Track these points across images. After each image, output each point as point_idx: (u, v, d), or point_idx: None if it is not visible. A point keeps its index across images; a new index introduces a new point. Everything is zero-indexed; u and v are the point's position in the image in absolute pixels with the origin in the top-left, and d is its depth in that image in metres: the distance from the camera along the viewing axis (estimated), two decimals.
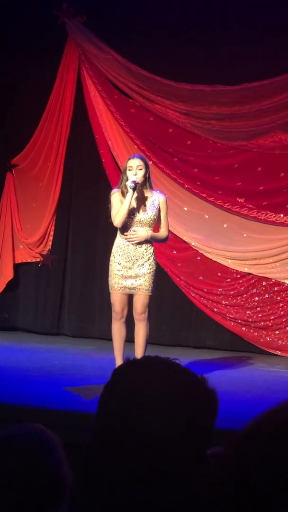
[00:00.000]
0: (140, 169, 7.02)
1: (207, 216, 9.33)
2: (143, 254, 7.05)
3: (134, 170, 7.00)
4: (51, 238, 9.85)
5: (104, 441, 1.62)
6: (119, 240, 7.14)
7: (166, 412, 1.60)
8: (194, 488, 1.59)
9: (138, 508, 1.56)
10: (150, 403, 1.60)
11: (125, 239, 7.06)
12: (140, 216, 7.05)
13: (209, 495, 1.36)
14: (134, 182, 6.93)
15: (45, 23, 9.61)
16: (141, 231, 7.04)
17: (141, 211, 7.06)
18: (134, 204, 7.06)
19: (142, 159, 7.10)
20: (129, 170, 7.03)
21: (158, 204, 7.09)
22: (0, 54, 9.82)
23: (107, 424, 1.64)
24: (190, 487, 1.59)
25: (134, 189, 6.91)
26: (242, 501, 1.29)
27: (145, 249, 7.06)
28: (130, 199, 6.96)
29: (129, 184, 6.93)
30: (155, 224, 7.15)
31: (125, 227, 7.09)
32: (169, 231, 7.38)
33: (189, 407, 1.62)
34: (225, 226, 9.26)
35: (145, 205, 7.07)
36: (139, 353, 7.03)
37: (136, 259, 7.04)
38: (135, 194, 6.99)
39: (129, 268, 7.04)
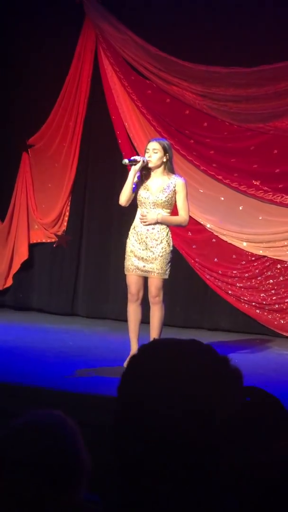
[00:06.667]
0: (156, 152, 7.02)
1: (222, 198, 9.32)
2: (155, 236, 7.03)
3: (150, 152, 7.03)
4: (66, 218, 9.87)
5: (129, 422, 1.64)
6: (135, 221, 7.15)
7: (189, 392, 1.61)
8: (218, 465, 1.60)
9: (163, 482, 1.58)
10: (173, 384, 1.62)
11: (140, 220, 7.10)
12: (154, 197, 7.04)
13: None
14: (129, 159, 7.11)
15: (62, 3, 9.58)
16: (151, 213, 7.04)
17: (155, 193, 7.05)
18: (149, 186, 7.07)
19: (160, 142, 7.10)
20: (146, 152, 7.07)
21: (174, 187, 7.07)
22: (18, 33, 9.81)
23: (131, 406, 1.64)
24: (215, 464, 1.60)
25: (131, 165, 7.01)
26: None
27: (158, 231, 7.04)
28: (132, 178, 7.02)
29: (124, 160, 7.13)
30: (173, 207, 7.13)
31: (138, 209, 7.14)
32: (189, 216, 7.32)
33: (213, 385, 1.63)
34: (240, 208, 9.24)
35: (160, 187, 7.06)
36: (154, 335, 7.04)
37: (149, 241, 7.02)
38: (136, 172, 7.03)
39: (142, 250, 7.03)
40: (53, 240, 9.91)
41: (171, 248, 7.10)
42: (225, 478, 1.57)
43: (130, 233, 7.16)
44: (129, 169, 7.16)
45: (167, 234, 7.06)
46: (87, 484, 2.10)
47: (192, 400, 1.60)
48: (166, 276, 7.07)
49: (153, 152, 7.02)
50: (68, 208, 9.86)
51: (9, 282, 10.01)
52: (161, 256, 7.01)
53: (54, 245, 9.91)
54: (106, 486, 1.78)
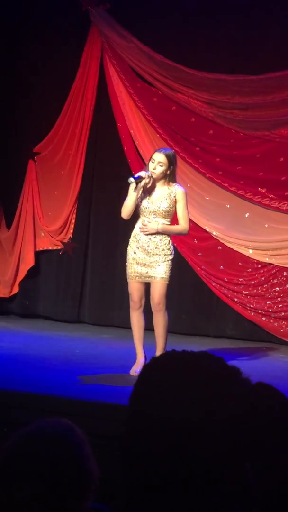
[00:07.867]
0: (161, 166, 6.99)
1: (228, 206, 9.31)
2: (157, 245, 7.03)
3: (155, 164, 7.01)
4: (72, 226, 9.87)
5: (139, 432, 1.64)
6: (136, 229, 7.15)
7: (200, 403, 1.61)
8: (229, 476, 1.60)
9: (172, 492, 1.58)
10: (184, 396, 1.62)
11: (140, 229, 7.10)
12: (154, 207, 7.03)
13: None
14: (134, 177, 7.05)
15: (68, 11, 9.60)
16: (152, 223, 7.03)
17: (155, 202, 7.04)
18: (150, 195, 7.06)
19: (167, 155, 7.02)
20: (151, 162, 7.05)
21: (175, 196, 7.05)
22: (24, 42, 9.84)
23: (142, 417, 1.65)
24: (226, 475, 1.60)
25: (137, 183, 6.97)
26: None
27: (159, 240, 7.04)
28: (137, 194, 7.00)
29: (130, 179, 7.03)
30: (173, 216, 7.12)
31: (138, 217, 7.13)
32: (191, 222, 7.31)
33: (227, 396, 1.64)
34: (246, 216, 9.24)
35: (161, 197, 7.05)
36: (159, 343, 7.04)
37: (151, 249, 7.02)
38: (140, 189, 7.01)
39: (145, 256, 7.03)
40: (59, 247, 9.91)
41: (173, 256, 7.10)
42: (235, 489, 1.57)
43: (130, 240, 7.16)
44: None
45: (168, 242, 7.08)
46: (95, 493, 2.10)
47: (204, 411, 1.60)
48: (168, 282, 7.07)
49: (159, 165, 6.99)
50: (74, 215, 9.86)
51: (15, 289, 10.01)
52: (163, 261, 7.02)
53: (60, 253, 9.91)
54: (113, 496, 1.78)
